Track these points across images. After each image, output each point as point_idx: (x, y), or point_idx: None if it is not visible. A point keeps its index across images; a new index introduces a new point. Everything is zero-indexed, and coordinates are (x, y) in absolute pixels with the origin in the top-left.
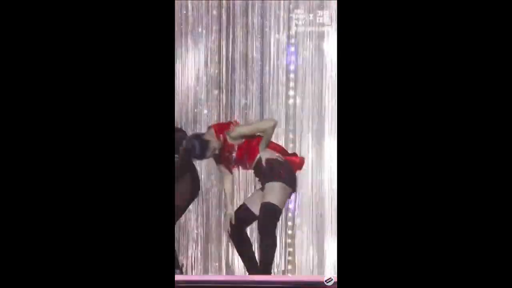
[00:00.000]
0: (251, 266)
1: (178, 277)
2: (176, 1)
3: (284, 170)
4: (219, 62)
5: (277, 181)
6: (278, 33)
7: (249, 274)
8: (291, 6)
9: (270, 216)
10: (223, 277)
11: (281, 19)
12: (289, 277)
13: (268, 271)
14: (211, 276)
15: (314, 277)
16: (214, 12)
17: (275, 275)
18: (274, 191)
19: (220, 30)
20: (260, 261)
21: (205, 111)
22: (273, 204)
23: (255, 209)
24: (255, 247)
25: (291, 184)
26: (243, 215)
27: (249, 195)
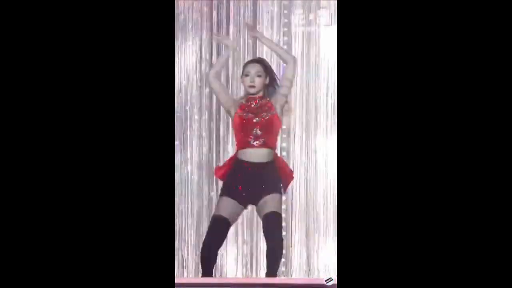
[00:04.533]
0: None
1: (178, 280)
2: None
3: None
4: (211, 60)
5: (276, 192)
6: (272, 29)
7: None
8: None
9: (278, 223)
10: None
11: (275, 19)
12: (283, 280)
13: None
14: (211, 279)
15: (309, 280)
16: (205, 9)
17: (271, 278)
18: (275, 202)
19: (211, 28)
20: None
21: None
22: (277, 213)
23: (230, 216)
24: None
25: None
26: (222, 224)
27: (220, 204)
